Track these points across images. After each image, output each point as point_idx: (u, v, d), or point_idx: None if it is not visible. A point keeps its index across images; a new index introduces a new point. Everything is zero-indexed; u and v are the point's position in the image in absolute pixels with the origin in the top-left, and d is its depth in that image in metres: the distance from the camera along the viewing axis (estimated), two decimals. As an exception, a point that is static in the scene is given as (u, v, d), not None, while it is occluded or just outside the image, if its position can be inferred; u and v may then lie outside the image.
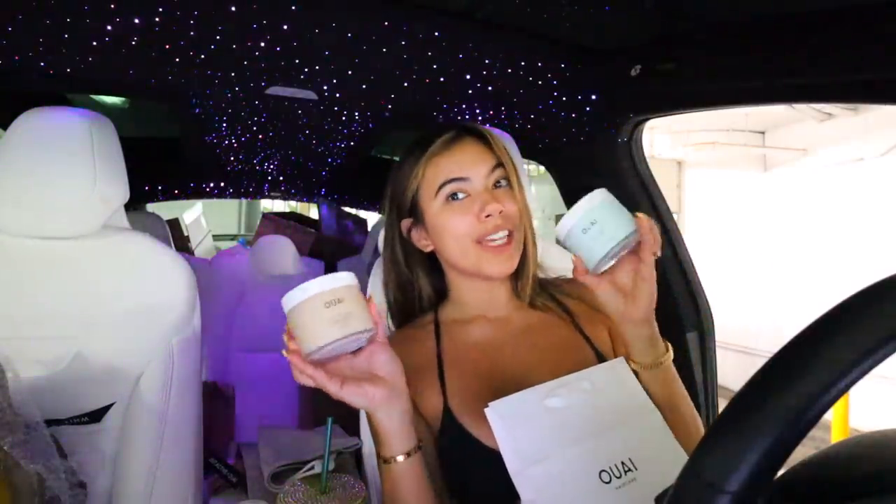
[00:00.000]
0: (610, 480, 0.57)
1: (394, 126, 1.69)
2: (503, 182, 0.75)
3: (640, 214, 0.65)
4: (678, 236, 1.21)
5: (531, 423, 0.60)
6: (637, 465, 0.59)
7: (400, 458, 0.63)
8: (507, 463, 0.57)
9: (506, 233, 0.73)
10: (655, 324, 0.68)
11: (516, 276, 0.79)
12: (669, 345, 0.70)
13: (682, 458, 0.29)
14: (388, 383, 0.62)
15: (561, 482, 0.56)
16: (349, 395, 0.60)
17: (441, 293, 0.84)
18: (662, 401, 0.68)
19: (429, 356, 0.76)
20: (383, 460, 0.64)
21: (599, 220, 0.63)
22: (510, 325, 0.79)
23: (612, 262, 0.65)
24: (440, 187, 0.73)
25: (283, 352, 0.60)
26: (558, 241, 0.68)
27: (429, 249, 0.79)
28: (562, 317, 0.80)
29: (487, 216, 0.72)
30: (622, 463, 0.59)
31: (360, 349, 0.63)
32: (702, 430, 0.73)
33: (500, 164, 0.75)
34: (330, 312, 0.57)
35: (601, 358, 0.75)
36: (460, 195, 0.73)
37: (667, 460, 0.59)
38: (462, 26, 0.95)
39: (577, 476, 0.57)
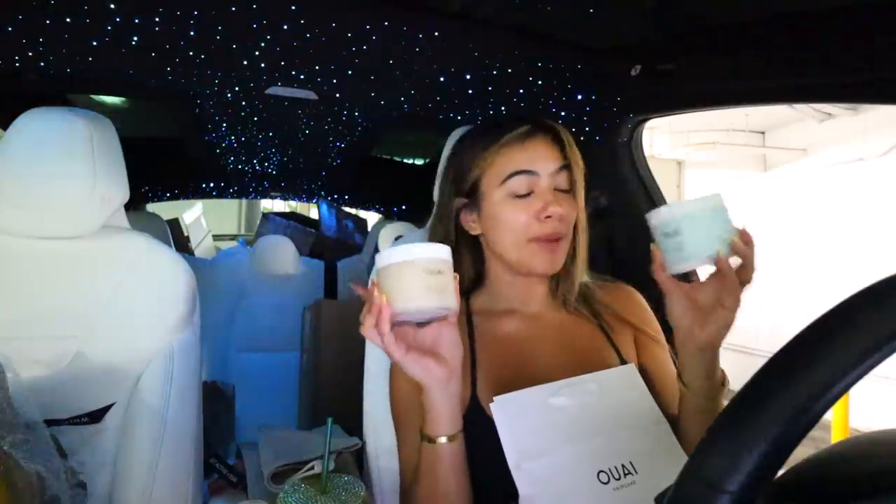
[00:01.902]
0: (608, 481, 0.57)
1: (394, 126, 1.69)
2: (566, 186, 0.75)
3: (743, 232, 0.57)
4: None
5: (533, 418, 0.60)
6: (638, 468, 0.59)
7: (443, 440, 0.63)
8: (507, 456, 0.57)
9: (559, 236, 0.74)
10: (719, 353, 0.63)
11: (560, 277, 0.79)
12: (727, 377, 0.65)
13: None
14: (449, 364, 0.62)
15: (558, 478, 0.57)
16: (410, 364, 0.60)
17: (477, 279, 0.84)
18: (698, 419, 0.65)
19: None
20: (427, 439, 0.64)
21: (683, 233, 0.56)
22: (542, 322, 0.80)
23: (695, 267, 0.59)
24: (508, 177, 0.73)
25: (375, 293, 0.58)
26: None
27: (475, 233, 0.79)
28: (591, 321, 0.80)
29: (548, 217, 0.72)
30: (622, 465, 0.58)
31: (427, 323, 0.63)
32: None
33: (567, 166, 0.75)
34: (431, 280, 0.57)
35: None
36: (525, 191, 0.73)
37: (670, 468, 0.59)
38: (462, 26, 0.94)
39: (574, 474, 0.57)
